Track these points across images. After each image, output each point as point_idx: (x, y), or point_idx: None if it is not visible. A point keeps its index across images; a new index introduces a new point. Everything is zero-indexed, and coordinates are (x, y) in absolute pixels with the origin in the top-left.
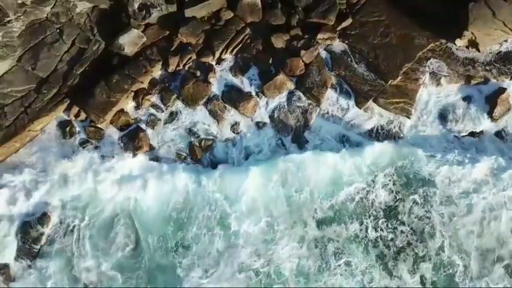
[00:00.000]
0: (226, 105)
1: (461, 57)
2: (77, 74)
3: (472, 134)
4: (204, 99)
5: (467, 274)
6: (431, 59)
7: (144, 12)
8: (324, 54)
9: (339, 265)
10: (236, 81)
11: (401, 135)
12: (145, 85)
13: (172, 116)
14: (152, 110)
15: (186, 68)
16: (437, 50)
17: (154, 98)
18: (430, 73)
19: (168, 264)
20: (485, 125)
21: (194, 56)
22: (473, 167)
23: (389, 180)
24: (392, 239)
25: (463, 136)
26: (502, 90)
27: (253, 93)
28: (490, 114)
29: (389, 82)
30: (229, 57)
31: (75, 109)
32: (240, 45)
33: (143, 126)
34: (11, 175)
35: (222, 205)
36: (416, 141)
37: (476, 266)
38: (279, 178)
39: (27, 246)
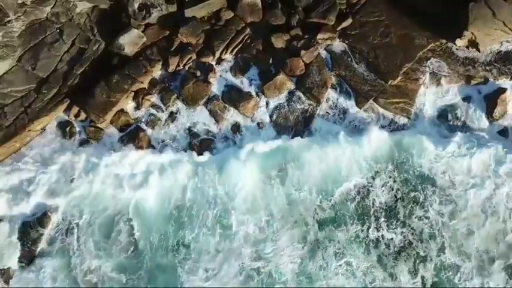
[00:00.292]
0: (226, 105)
1: (462, 57)
2: (77, 74)
3: (473, 131)
4: (204, 99)
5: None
6: (432, 59)
7: (144, 12)
8: (324, 54)
9: (340, 265)
10: (236, 81)
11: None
12: (145, 85)
13: (172, 116)
14: (152, 110)
15: (186, 68)
16: (438, 50)
17: (154, 98)
18: (430, 73)
19: (168, 264)
20: (486, 124)
21: (194, 56)
22: (476, 155)
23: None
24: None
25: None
26: (502, 90)
27: (253, 93)
28: (490, 114)
29: (389, 82)
30: (229, 57)
31: (75, 109)
32: (240, 45)
33: (143, 126)
34: (11, 175)
35: (222, 202)
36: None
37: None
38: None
39: (28, 246)
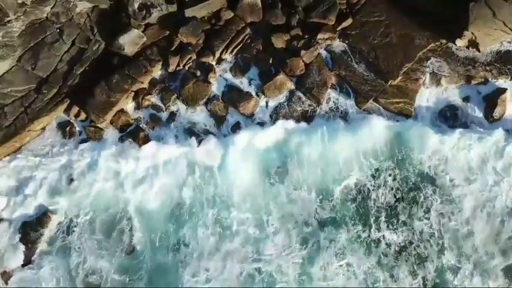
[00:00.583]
0: (226, 105)
1: (462, 57)
2: (77, 74)
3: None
4: (204, 99)
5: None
6: (432, 59)
7: (144, 12)
8: (324, 54)
9: (341, 265)
10: (236, 81)
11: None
12: (145, 85)
13: (173, 116)
14: (152, 110)
15: (186, 68)
16: (438, 50)
17: (155, 98)
18: (430, 73)
19: (169, 264)
20: (486, 124)
21: (194, 56)
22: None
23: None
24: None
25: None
26: (502, 90)
27: (253, 93)
28: (490, 114)
29: (389, 82)
30: (229, 57)
31: (75, 109)
32: (240, 45)
33: (143, 126)
34: (11, 175)
35: (222, 201)
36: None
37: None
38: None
39: (28, 246)
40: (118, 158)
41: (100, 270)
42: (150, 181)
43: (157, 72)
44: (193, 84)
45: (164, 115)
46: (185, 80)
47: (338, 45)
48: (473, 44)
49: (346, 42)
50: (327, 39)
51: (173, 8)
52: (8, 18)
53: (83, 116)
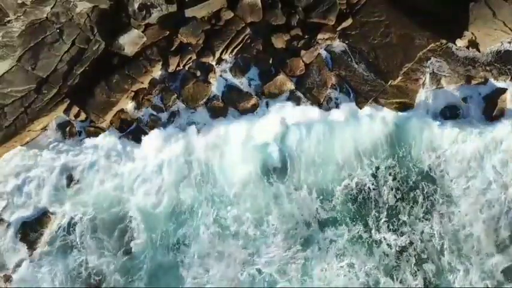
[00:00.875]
0: (226, 105)
1: (462, 58)
2: (77, 74)
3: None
4: (204, 99)
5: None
6: (432, 59)
7: (144, 12)
8: (324, 54)
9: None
10: (236, 81)
11: None
12: (145, 85)
13: (173, 116)
14: (152, 110)
15: (186, 68)
16: (438, 50)
17: (155, 98)
18: (430, 73)
19: (169, 264)
20: (486, 124)
21: (194, 56)
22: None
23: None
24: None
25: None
26: (502, 90)
27: (253, 94)
28: (490, 114)
29: (389, 82)
30: (229, 58)
31: (75, 109)
32: (240, 46)
33: (143, 126)
34: (10, 175)
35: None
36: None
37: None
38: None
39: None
40: (118, 157)
41: (100, 270)
42: (150, 181)
43: (157, 72)
44: (193, 85)
45: (164, 115)
46: (185, 80)
47: (338, 45)
48: (473, 44)
49: (346, 42)
50: (327, 39)
51: (173, 8)
52: (8, 18)
53: (83, 116)
